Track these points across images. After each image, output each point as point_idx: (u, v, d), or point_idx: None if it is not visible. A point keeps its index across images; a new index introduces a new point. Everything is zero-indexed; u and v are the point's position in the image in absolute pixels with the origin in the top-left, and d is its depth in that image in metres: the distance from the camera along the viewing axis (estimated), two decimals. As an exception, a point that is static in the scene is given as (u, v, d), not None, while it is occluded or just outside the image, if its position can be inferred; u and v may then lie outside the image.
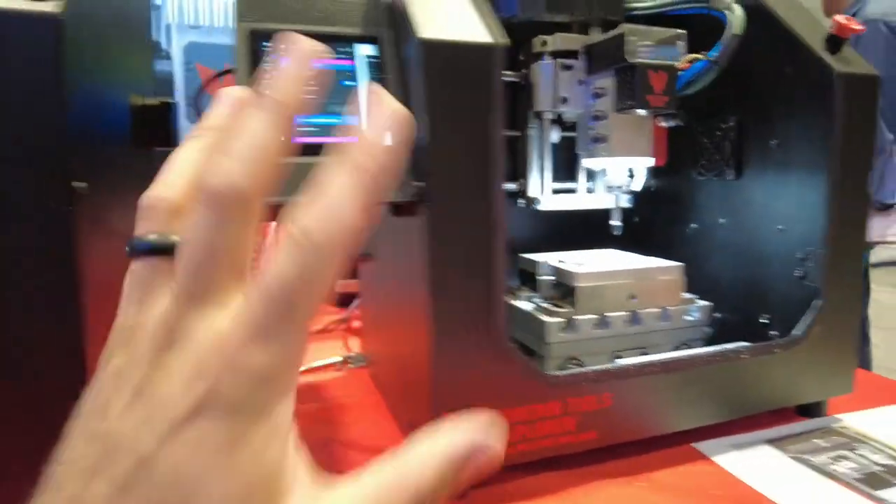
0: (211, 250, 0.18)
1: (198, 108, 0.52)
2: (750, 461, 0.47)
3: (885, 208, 1.38)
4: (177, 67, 1.56)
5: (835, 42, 0.51)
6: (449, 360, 0.40)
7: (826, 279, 0.50)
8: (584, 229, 0.65)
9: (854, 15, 1.46)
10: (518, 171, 0.59)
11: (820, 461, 0.47)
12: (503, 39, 0.39)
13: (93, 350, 0.34)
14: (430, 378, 0.40)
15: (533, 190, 0.59)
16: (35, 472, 0.19)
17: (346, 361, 0.69)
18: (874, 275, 1.45)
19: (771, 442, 0.50)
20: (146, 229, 0.20)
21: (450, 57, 0.37)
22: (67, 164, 0.33)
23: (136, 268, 0.20)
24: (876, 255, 1.82)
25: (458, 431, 0.19)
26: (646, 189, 0.60)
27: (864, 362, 1.38)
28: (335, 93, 0.40)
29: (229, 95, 0.23)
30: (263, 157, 0.18)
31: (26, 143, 0.32)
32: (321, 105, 0.40)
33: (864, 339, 1.39)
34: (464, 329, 0.40)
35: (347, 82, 0.41)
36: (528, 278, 0.58)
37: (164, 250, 0.19)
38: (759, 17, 0.52)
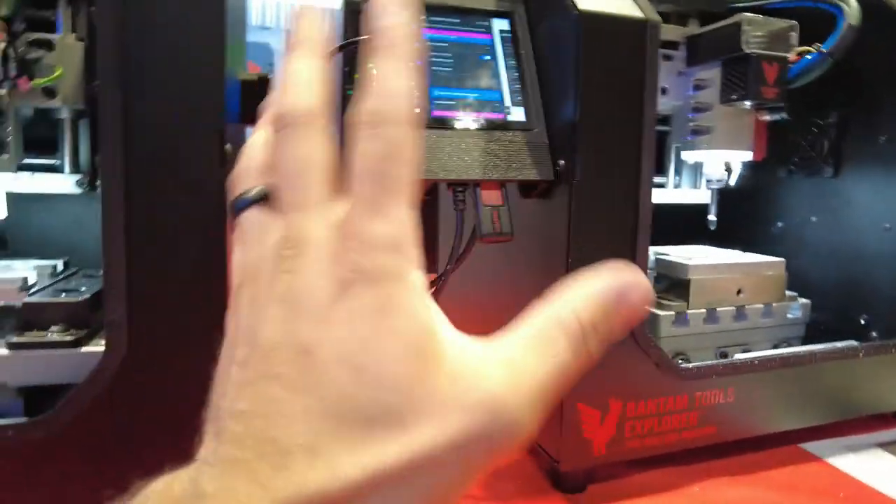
0: (300, 160, 0.19)
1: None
2: (864, 463, 0.46)
3: None
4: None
5: (954, 36, 0.50)
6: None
7: (938, 279, 0.49)
8: (667, 225, 0.64)
9: None
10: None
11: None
12: (655, 16, 0.37)
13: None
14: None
15: (624, 182, 0.58)
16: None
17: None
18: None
19: (883, 446, 0.49)
20: (242, 189, 0.22)
21: (608, 30, 0.36)
22: (223, 130, 0.31)
23: (243, 219, 0.21)
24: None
25: (608, 272, 0.19)
26: (725, 185, 0.59)
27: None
28: (473, 67, 0.39)
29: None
30: (314, 79, 0.21)
31: (188, 104, 0.31)
32: (459, 79, 0.39)
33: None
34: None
35: (485, 56, 0.39)
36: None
37: (261, 200, 0.21)
38: (874, 8, 0.51)
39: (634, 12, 0.37)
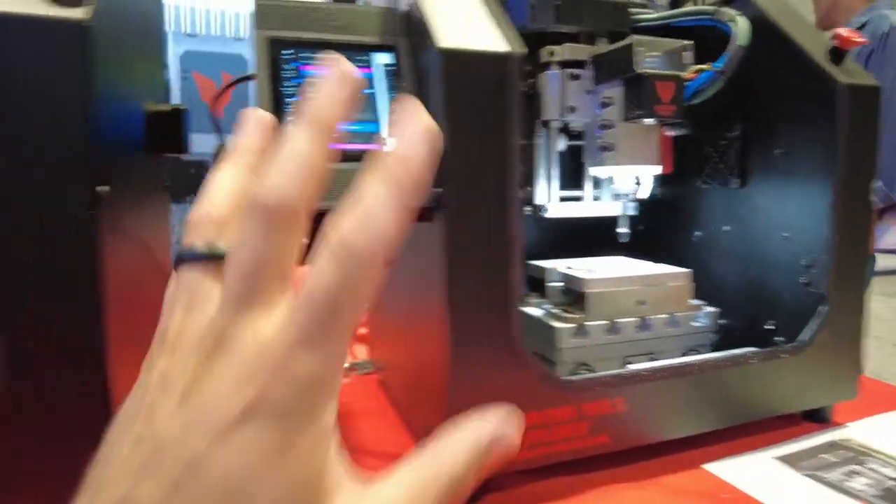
0: (259, 258, 0.19)
1: (214, 118, 0.52)
2: (764, 480, 0.47)
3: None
4: (173, 76, 1.56)
5: (837, 54, 0.52)
6: (465, 365, 0.40)
7: (831, 286, 0.51)
8: (590, 237, 0.66)
9: (861, 28, 1.47)
10: (525, 179, 0.59)
11: (834, 478, 0.47)
12: (520, 49, 0.39)
13: (114, 350, 0.34)
14: (447, 384, 0.41)
15: (540, 198, 0.60)
16: (58, 475, 0.19)
17: (352, 368, 0.69)
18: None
19: (781, 459, 0.50)
20: (193, 241, 0.21)
21: (467, 65, 0.38)
22: (91, 169, 0.33)
23: (184, 275, 0.21)
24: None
25: (480, 423, 0.21)
26: (651, 197, 0.61)
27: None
28: (353, 100, 0.41)
29: (255, 117, 0.25)
30: (309, 172, 0.19)
31: (51, 147, 0.32)
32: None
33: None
34: (480, 335, 0.40)
35: (365, 90, 0.41)
36: (536, 285, 0.58)
37: (210, 259, 0.20)
38: (764, 29, 0.53)
39: (497, 47, 0.39)
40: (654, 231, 0.70)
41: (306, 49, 0.40)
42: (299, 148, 0.19)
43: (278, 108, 0.39)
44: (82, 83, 0.32)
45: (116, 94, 0.39)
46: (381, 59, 0.43)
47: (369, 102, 0.41)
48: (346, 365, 0.70)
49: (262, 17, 0.41)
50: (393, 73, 0.43)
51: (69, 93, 0.32)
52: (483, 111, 0.38)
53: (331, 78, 0.20)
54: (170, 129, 0.50)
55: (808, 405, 0.54)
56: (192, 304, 0.20)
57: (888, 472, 0.48)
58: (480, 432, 0.21)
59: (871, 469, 0.48)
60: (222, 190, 0.22)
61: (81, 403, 0.33)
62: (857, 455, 0.50)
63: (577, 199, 0.62)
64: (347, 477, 0.20)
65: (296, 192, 0.19)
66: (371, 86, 0.42)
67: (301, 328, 0.18)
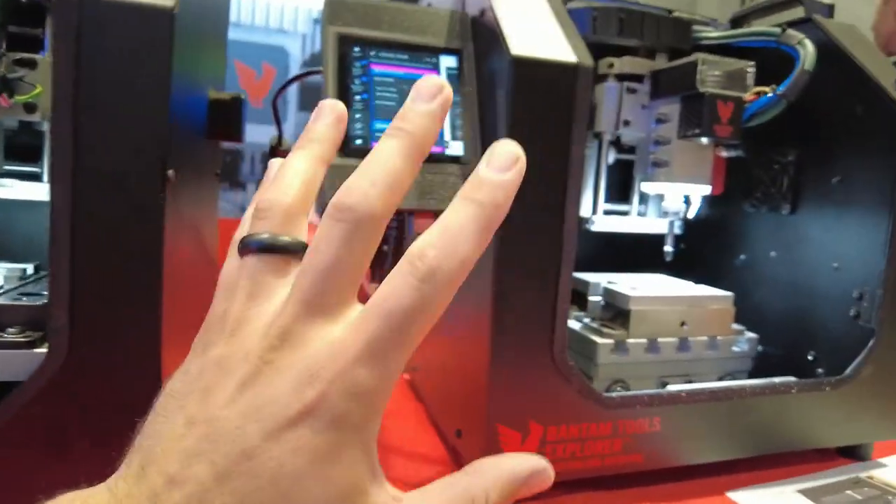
0: (337, 263, 0.19)
1: (275, 108, 0.53)
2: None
3: None
4: (216, 64, 1.59)
5: (908, 83, 0.51)
6: (507, 372, 0.41)
7: (881, 320, 0.50)
8: (630, 252, 0.65)
9: None
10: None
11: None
12: (588, 60, 0.39)
13: (165, 328, 0.35)
14: (487, 389, 0.41)
15: (585, 210, 0.59)
16: (112, 442, 0.20)
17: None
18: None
19: (804, 492, 0.49)
20: (261, 228, 0.21)
21: (536, 73, 0.38)
22: (166, 152, 0.34)
23: (247, 262, 0.21)
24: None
25: (521, 455, 0.22)
26: (695, 217, 0.60)
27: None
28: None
29: (332, 107, 0.25)
30: (398, 189, 0.20)
31: (131, 127, 0.33)
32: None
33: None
34: (524, 344, 0.40)
35: (429, 91, 0.42)
36: (577, 297, 0.58)
37: (276, 249, 0.21)
38: (831, 54, 0.53)
39: (567, 57, 0.39)
40: (695, 250, 0.69)
41: (375, 47, 0.41)
42: (393, 163, 0.20)
43: (345, 103, 0.39)
44: (165, 67, 0.33)
45: (189, 79, 0.40)
46: (447, 62, 0.43)
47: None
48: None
49: (332, 12, 0.41)
50: (457, 77, 0.43)
51: (153, 76, 0.33)
52: (549, 119, 0.38)
53: (430, 96, 0.21)
54: (230, 116, 0.51)
55: (847, 441, 0.53)
56: (254, 292, 0.20)
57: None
58: (520, 463, 0.21)
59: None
60: (293, 178, 0.22)
61: (136, 376, 0.34)
62: (884, 493, 0.49)
63: (623, 213, 0.62)
64: (384, 490, 0.20)
65: (382, 204, 0.19)
66: (435, 88, 0.42)
67: (370, 340, 0.18)
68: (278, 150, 0.50)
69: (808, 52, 0.52)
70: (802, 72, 0.51)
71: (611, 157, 0.60)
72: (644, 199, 0.62)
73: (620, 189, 0.62)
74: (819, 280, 0.55)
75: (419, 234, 0.40)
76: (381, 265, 0.48)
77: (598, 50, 0.58)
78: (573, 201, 0.39)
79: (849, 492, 0.49)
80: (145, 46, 0.32)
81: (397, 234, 0.40)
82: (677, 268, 0.65)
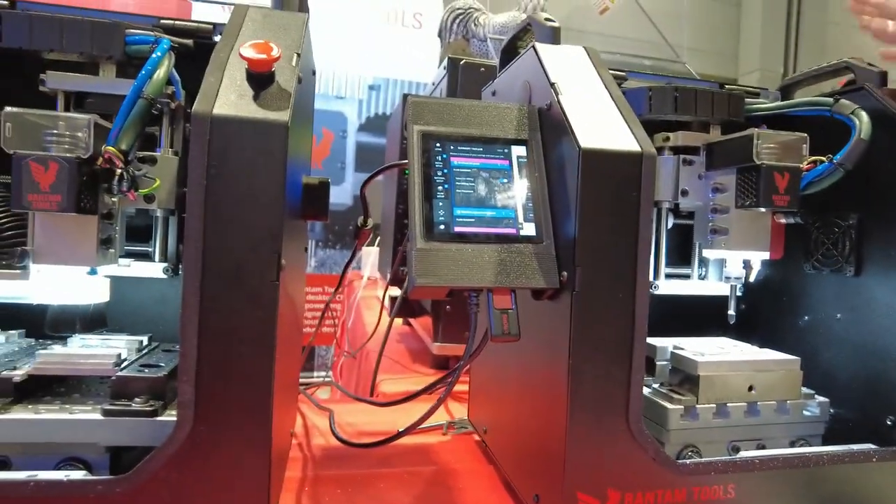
0: None
1: (363, 196, 0.58)
2: None
3: None
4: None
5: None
6: (584, 439, 0.43)
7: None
8: (694, 315, 0.67)
9: None
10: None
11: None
12: (651, 148, 0.43)
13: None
14: (564, 455, 0.43)
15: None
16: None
17: (450, 426, 0.72)
18: None
19: None
20: None
21: (605, 162, 0.41)
22: (280, 245, 0.38)
23: None
24: None
25: None
26: (756, 279, 0.62)
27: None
28: (492, 189, 0.45)
29: None
30: None
31: (253, 229, 0.38)
32: (479, 199, 0.45)
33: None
34: (601, 412, 0.43)
35: (503, 180, 0.46)
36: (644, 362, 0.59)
37: None
38: (886, 120, 0.54)
39: (632, 147, 0.42)
40: (757, 312, 0.70)
41: (453, 142, 0.46)
42: None
43: (428, 193, 0.44)
44: (281, 172, 0.38)
45: (293, 172, 0.45)
46: (517, 151, 0.47)
47: (507, 191, 0.45)
48: (444, 423, 0.72)
49: (415, 113, 0.46)
50: (525, 165, 0.47)
51: (270, 180, 0.38)
52: (616, 202, 0.41)
53: None
54: (319, 198, 0.56)
55: (932, 510, 0.52)
56: None
57: None
58: None
59: None
60: None
61: (247, 445, 0.38)
62: None
63: (683, 276, 0.64)
64: None
65: None
66: (509, 176, 0.46)
67: None
68: (363, 230, 0.55)
69: (863, 121, 0.54)
70: (859, 140, 0.53)
71: (670, 222, 0.62)
72: (704, 262, 0.64)
73: (680, 252, 0.65)
74: (893, 343, 0.55)
75: (497, 309, 0.44)
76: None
77: (653, 123, 0.61)
78: (643, 276, 0.42)
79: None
80: (263, 156, 0.38)
81: (476, 308, 0.44)
82: (740, 330, 0.66)
